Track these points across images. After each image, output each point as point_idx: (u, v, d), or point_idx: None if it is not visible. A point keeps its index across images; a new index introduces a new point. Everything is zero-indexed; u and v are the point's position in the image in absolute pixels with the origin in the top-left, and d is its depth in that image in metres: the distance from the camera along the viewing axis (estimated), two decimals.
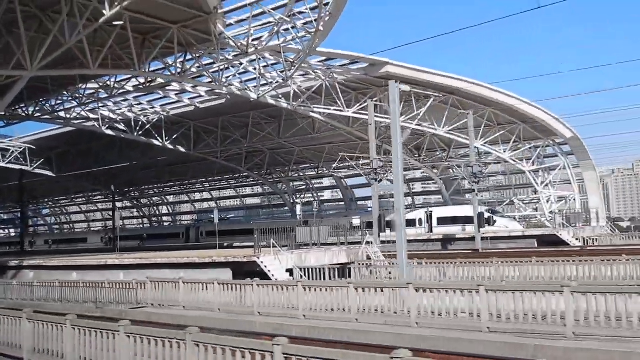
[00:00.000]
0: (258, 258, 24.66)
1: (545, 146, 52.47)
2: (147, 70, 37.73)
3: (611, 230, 52.14)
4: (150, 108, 53.51)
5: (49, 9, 29.62)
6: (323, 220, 42.87)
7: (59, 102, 48.02)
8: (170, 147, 57.20)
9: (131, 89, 44.26)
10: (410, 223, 54.52)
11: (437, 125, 48.25)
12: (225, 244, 51.83)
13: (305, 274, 24.92)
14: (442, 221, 53.36)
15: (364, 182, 62.50)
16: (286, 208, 75.49)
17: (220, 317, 19.04)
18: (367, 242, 30.67)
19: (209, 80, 39.32)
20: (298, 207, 51.20)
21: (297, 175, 71.24)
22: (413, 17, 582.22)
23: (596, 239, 42.90)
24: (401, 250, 23.91)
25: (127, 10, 29.89)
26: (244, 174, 71.99)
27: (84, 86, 44.22)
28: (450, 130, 48.10)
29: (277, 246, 26.13)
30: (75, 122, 51.76)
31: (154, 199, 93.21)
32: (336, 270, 24.94)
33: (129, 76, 41.46)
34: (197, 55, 37.15)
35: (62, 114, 50.63)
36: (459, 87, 44.45)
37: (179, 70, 36.94)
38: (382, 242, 33.28)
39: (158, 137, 55.42)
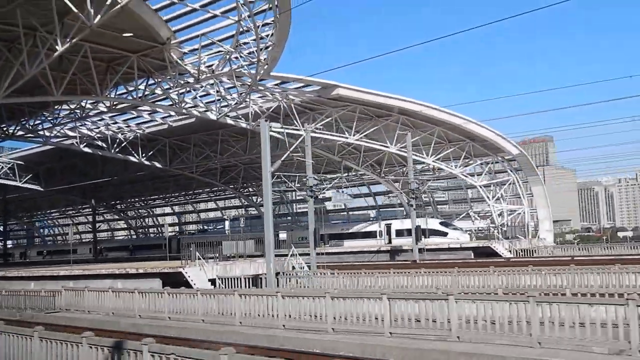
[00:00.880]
0: (183, 269, 27.53)
1: (495, 162, 55.31)
2: (110, 94, 40.78)
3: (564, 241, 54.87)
4: (126, 127, 56.45)
5: (14, 41, 32.63)
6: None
7: (37, 122, 50.96)
8: (147, 163, 60.05)
9: (105, 109, 47.26)
10: (372, 235, 57.62)
11: (390, 143, 51.09)
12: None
13: (223, 284, 27.77)
14: (400, 233, 56.14)
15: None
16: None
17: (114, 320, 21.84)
18: (292, 255, 33.40)
19: (171, 103, 42.30)
20: (226, 223, 54.00)
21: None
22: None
23: (535, 250, 45.61)
24: (269, 262, 26.80)
25: (86, 41, 32.92)
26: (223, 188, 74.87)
27: (59, 107, 47.28)
28: (401, 148, 50.95)
29: (201, 258, 29.00)
30: (55, 140, 54.61)
31: (140, 211, 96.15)
32: (250, 279, 27.79)
33: None
34: (158, 80, 40.18)
35: (45, 132, 53.62)
36: (406, 108, 47.35)
37: (140, 95, 40.00)
38: (318, 254, 36.01)
39: (135, 154, 58.29)
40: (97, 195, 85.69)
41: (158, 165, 61.66)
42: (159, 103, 43.40)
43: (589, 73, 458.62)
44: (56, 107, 46.93)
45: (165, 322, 20.48)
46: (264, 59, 36.70)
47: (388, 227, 57.36)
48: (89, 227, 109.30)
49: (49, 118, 50.16)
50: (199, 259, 29.03)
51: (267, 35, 34.03)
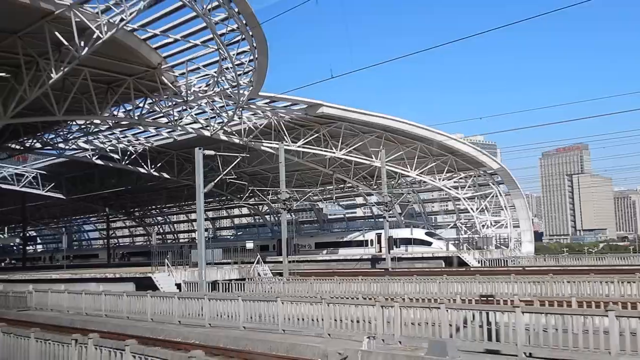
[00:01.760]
0: (152, 274, 30.74)
1: (477, 176, 57.58)
2: (114, 113, 44.40)
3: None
4: (135, 140, 60.10)
5: (19, 67, 36.21)
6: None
7: (52, 135, 54.87)
8: (156, 174, 63.63)
9: (111, 125, 50.96)
10: (364, 243, 60.33)
11: (375, 158, 53.79)
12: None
13: (187, 288, 30.92)
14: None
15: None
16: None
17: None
18: (258, 262, 36.31)
19: (166, 120, 45.69)
20: (210, 231, 56.94)
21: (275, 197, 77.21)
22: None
23: (505, 260, 47.81)
24: (201, 271, 30.21)
25: (85, 66, 36.47)
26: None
27: (71, 123, 51.07)
28: (387, 162, 53.54)
29: (169, 265, 32.18)
30: (69, 153, 58.52)
31: (157, 218, 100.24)
32: (210, 284, 30.89)
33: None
34: (155, 99, 43.58)
35: (60, 145, 57.57)
36: (386, 125, 50.05)
37: (137, 114, 43.50)
38: (290, 261, 38.89)
39: (144, 165, 61.94)
40: (117, 203, 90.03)
41: (166, 176, 65.18)
42: (156, 120, 46.64)
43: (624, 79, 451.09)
44: (68, 123, 50.69)
45: (102, 319, 24.02)
46: (249, 81, 39.84)
47: (379, 236, 59.89)
48: (113, 233, 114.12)
49: (62, 132, 54.08)
50: (168, 265, 32.18)
51: (248, 61, 37.13)
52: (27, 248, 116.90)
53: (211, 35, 33.79)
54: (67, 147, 58.10)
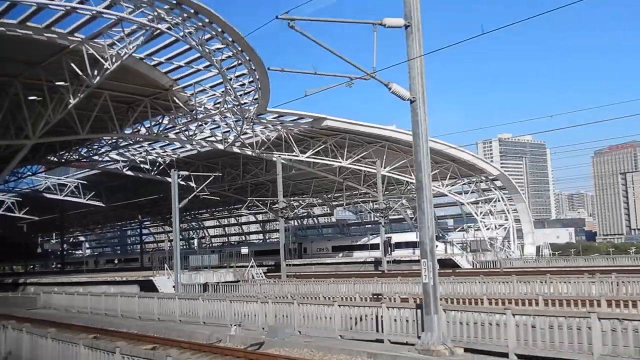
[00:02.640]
0: (153, 277, 34.19)
1: (479, 182, 59.52)
2: (133, 130, 48.31)
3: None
4: (163, 152, 64.07)
5: (44, 92, 40.25)
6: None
7: (84, 149, 59.21)
8: (182, 183, 67.29)
9: (140, 139, 55.00)
10: (375, 247, 62.91)
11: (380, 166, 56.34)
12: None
13: (184, 290, 34.22)
14: (398, 245, 61.15)
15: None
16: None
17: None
18: (252, 266, 39.31)
19: (183, 137, 49.38)
20: (195, 241, 60.24)
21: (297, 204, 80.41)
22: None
23: (500, 263, 49.66)
24: (177, 275, 33.56)
25: (104, 89, 40.37)
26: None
27: (102, 138, 55.28)
28: (390, 170, 56.01)
29: (167, 268, 35.55)
30: (101, 165, 62.87)
31: (192, 223, 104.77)
32: (202, 286, 34.21)
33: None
34: (170, 117, 47.26)
35: (95, 157, 61.95)
36: (387, 135, 52.64)
37: (156, 130, 47.36)
38: (287, 265, 41.86)
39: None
40: (154, 210, 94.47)
41: (193, 185, 68.90)
42: (171, 136, 50.31)
43: None
44: (98, 138, 54.89)
45: (96, 317, 27.46)
46: (254, 99, 43.06)
47: (389, 239, 62.32)
48: (152, 238, 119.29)
49: (95, 147, 58.40)
50: (167, 269, 35.64)
51: (249, 82, 40.32)
52: (76, 252, 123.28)
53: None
54: (100, 159, 62.48)
